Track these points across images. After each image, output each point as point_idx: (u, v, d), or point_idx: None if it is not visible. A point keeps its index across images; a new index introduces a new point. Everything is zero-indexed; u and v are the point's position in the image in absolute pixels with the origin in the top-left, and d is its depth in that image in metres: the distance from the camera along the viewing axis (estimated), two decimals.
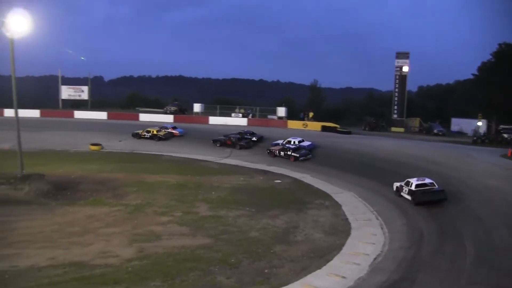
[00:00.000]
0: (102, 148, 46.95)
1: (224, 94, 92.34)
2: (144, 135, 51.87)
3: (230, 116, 65.43)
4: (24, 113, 47.83)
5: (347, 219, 25.62)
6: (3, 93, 49.22)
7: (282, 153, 43.36)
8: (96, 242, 20.80)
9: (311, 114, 62.92)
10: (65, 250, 19.63)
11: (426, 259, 19.57)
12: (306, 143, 45.25)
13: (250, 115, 65.68)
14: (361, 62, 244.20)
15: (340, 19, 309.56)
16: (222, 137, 49.37)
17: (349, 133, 55.84)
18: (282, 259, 19.56)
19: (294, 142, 44.84)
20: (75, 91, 75.77)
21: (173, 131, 53.16)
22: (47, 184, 29.32)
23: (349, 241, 22.11)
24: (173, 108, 68.64)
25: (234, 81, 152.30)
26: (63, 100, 74.80)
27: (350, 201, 29.33)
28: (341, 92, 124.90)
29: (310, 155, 43.05)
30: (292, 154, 42.47)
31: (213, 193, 30.43)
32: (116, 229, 22.73)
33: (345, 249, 21.00)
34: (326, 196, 30.58)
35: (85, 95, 75.41)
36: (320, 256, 19.98)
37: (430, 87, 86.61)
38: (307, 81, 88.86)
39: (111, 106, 76.95)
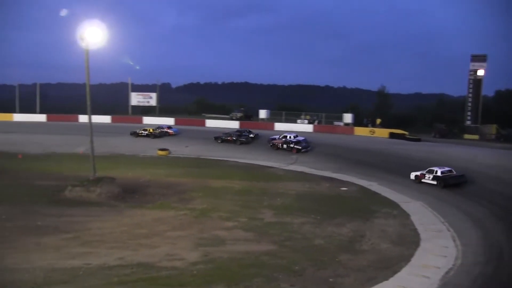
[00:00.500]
0: (170, 153, 48.12)
1: (290, 100, 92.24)
2: (141, 133, 57.62)
3: (295, 122, 65.25)
4: (97, 119, 50.21)
5: (415, 229, 24.45)
6: (78, 100, 52.08)
7: (284, 146, 48.47)
8: (162, 245, 21.19)
9: (378, 121, 61.50)
10: (133, 251, 20.16)
11: (505, 277, 18.26)
12: (300, 138, 49.79)
13: (316, 121, 65.21)
14: (431, 66, 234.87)
15: (409, 22, 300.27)
16: (223, 135, 53.92)
17: (418, 140, 54.09)
18: (347, 268, 18.98)
19: (290, 137, 50.01)
20: (144, 98, 78.81)
21: (168, 131, 59.10)
22: (117, 187, 30.49)
23: (418, 252, 21.05)
24: (239, 114, 69.61)
25: (299, 87, 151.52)
26: (132, 106, 77.99)
27: (419, 211, 28.07)
28: (409, 97, 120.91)
29: (310, 147, 48.30)
30: (295, 146, 47.66)
31: (278, 199, 30.26)
32: (182, 233, 23.08)
33: (413, 260, 20.02)
34: (393, 205, 29.45)
35: (153, 102, 78.16)
36: (387, 267, 19.19)
37: (510, 91, 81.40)
38: (374, 87, 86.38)
39: (179, 112, 78.95)
